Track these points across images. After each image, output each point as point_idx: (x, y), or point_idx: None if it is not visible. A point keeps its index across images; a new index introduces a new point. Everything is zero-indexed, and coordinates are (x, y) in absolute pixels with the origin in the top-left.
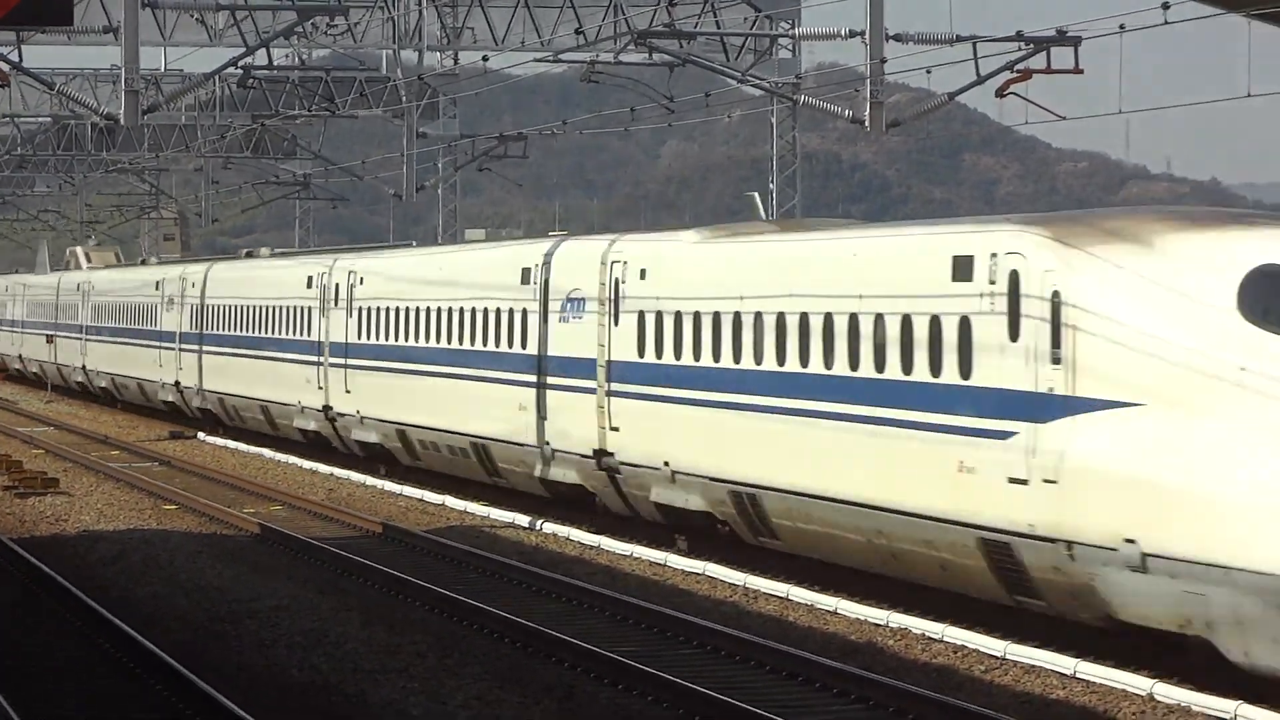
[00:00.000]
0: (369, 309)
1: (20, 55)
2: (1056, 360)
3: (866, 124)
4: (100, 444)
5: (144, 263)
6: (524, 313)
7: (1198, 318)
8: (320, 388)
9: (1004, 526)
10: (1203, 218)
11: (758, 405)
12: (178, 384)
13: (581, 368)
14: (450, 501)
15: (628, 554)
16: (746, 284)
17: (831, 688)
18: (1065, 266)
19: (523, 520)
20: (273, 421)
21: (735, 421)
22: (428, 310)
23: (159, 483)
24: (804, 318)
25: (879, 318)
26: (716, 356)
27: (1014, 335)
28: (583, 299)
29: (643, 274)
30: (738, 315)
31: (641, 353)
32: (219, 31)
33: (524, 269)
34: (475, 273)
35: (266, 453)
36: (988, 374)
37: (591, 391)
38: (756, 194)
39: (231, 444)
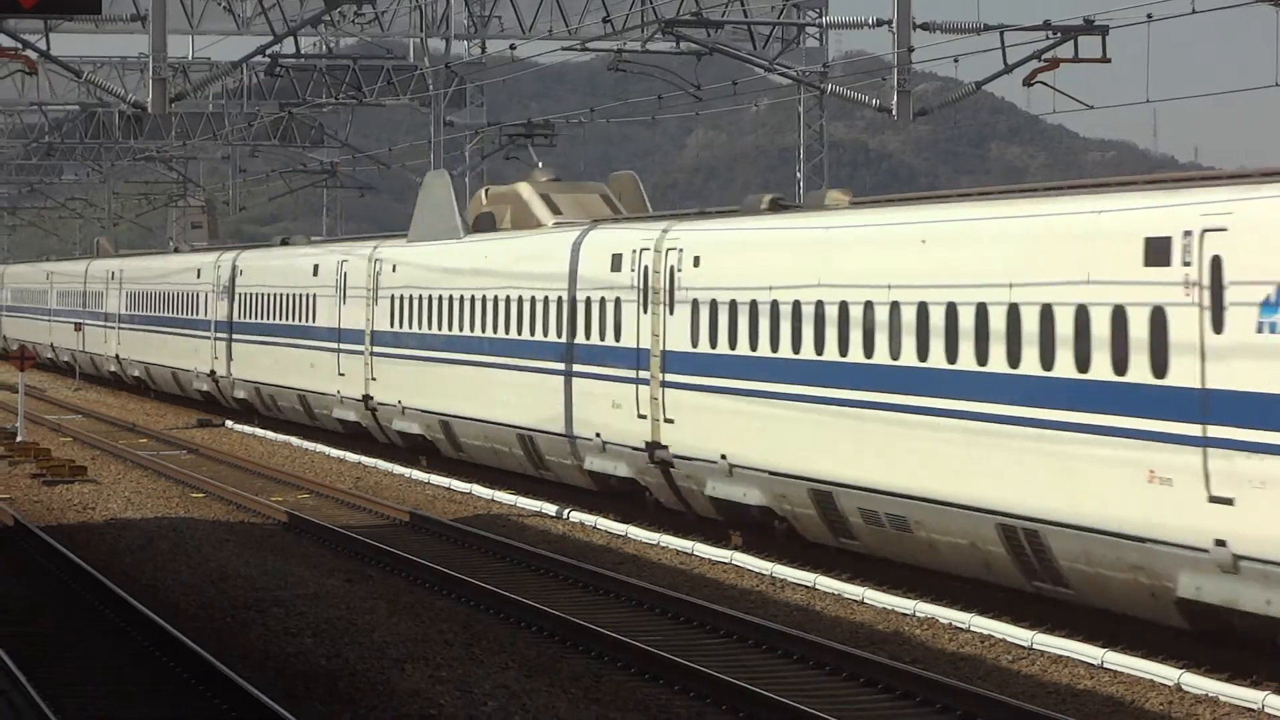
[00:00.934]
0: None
1: (48, 43)
2: None
3: (894, 113)
4: (128, 432)
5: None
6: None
7: None
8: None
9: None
10: None
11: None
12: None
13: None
14: (477, 490)
15: (654, 543)
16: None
17: (858, 677)
18: None
19: (550, 509)
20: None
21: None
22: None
23: (187, 471)
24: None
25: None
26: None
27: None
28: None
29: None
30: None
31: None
32: (246, 20)
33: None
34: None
35: (294, 441)
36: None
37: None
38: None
39: (259, 432)
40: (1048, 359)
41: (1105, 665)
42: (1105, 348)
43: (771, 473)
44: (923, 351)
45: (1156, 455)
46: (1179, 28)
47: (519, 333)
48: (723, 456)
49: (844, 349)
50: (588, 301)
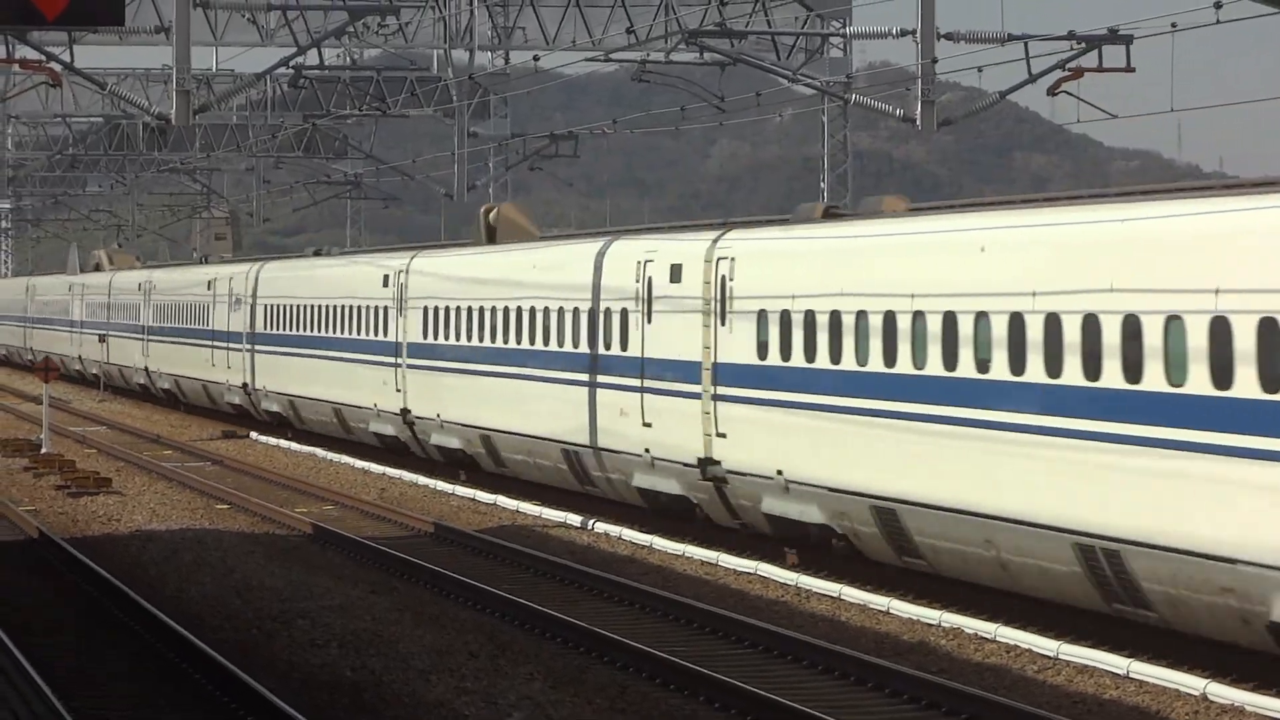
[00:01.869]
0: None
1: (72, 55)
2: None
3: (918, 123)
4: (153, 443)
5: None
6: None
7: None
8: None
9: None
10: None
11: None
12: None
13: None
14: (502, 501)
15: (679, 554)
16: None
17: (884, 687)
18: None
19: (574, 520)
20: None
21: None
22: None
23: (211, 482)
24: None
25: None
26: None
27: None
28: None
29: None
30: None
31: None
32: (270, 31)
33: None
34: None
35: (319, 452)
36: None
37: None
38: None
39: (284, 444)
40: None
41: (1131, 675)
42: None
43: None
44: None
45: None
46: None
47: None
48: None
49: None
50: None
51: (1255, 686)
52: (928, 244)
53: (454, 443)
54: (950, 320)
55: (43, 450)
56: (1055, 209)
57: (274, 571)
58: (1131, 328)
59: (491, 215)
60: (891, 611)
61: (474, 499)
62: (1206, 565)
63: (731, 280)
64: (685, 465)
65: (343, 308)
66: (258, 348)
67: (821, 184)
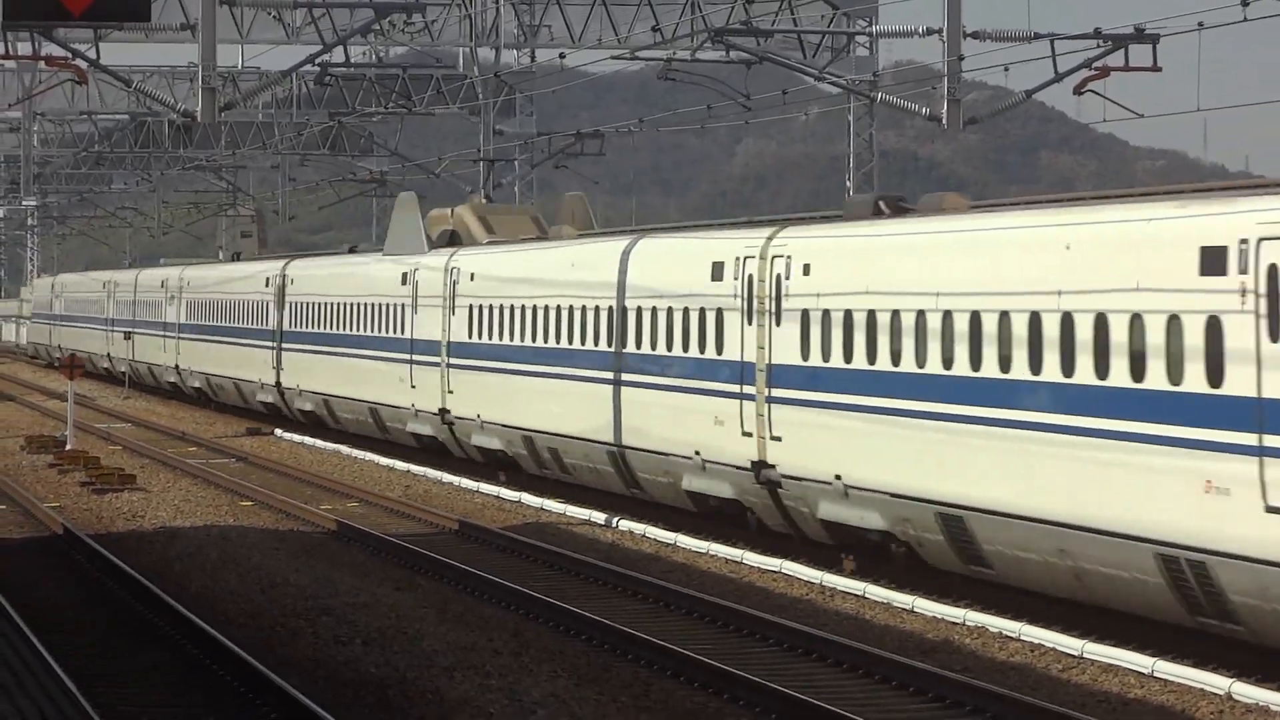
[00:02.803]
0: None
1: (98, 52)
2: None
3: (944, 121)
4: (177, 440)
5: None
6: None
7: None
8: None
9: None
10: None
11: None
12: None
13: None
14: (526, 498)
15: (704, 551)
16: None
17: (908, 686)
18: None
19: (599, 517)
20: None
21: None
22: (559, 308)
23: (236, 479)
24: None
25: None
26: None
27: None
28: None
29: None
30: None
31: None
32: (296, 29)
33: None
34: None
35: (344, 449)
36: None
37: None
38: None
39: (309, 440)
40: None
41: (1156, 674)
42: None
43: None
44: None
45: None
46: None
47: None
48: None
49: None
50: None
51: None
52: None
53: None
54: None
55: (67, 447)
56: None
57: (298, 568)
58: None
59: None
60: (915, 610)
61: (499, 496)
62: None
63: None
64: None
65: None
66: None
67: (847, 183)
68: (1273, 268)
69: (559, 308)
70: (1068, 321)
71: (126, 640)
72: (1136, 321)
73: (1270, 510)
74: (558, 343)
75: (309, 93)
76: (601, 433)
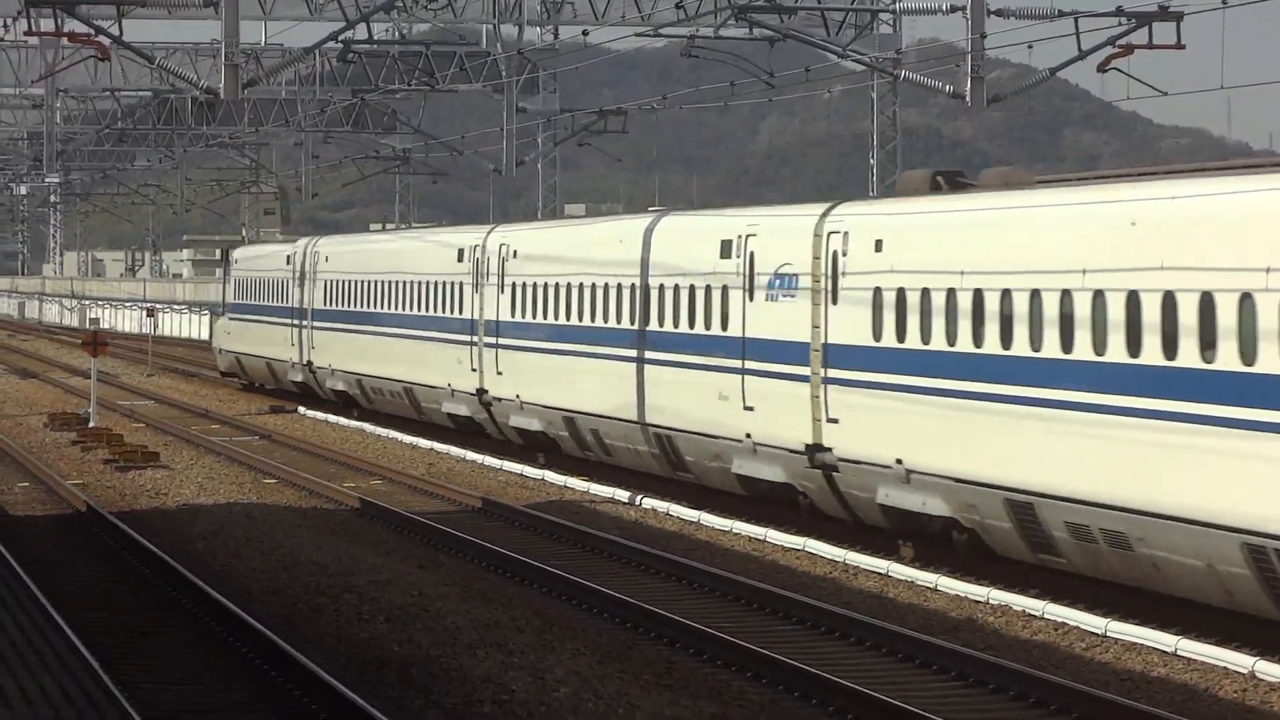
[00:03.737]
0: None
1: (121, 29)
2: None
3: (967, 99)
4: (200, 418)
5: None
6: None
7: None
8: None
9: None
10: None
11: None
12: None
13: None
14: (550, 476)
15: (727, 529)
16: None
17: (931, 664)
18: None
19: (622, 495)
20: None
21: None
22: (604, 287)
23: (259, 457)
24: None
25: None
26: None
27: None
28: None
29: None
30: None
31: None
32: (319, 6)
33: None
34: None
35: (368, 427)
36: None
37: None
38: None
39: (332, 418)
40: None
41: (1179, 653)
42: None
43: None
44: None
45: None
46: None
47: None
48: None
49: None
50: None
51: None
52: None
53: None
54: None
55: (90, 424)
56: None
57: (321, 546)
58: None
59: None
60: (939, 588)
61: (521, 474)
62: None
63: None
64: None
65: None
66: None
67: (871, 160)
68: None
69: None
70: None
71: (149, 617)
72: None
73: None
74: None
75: (332, 70)
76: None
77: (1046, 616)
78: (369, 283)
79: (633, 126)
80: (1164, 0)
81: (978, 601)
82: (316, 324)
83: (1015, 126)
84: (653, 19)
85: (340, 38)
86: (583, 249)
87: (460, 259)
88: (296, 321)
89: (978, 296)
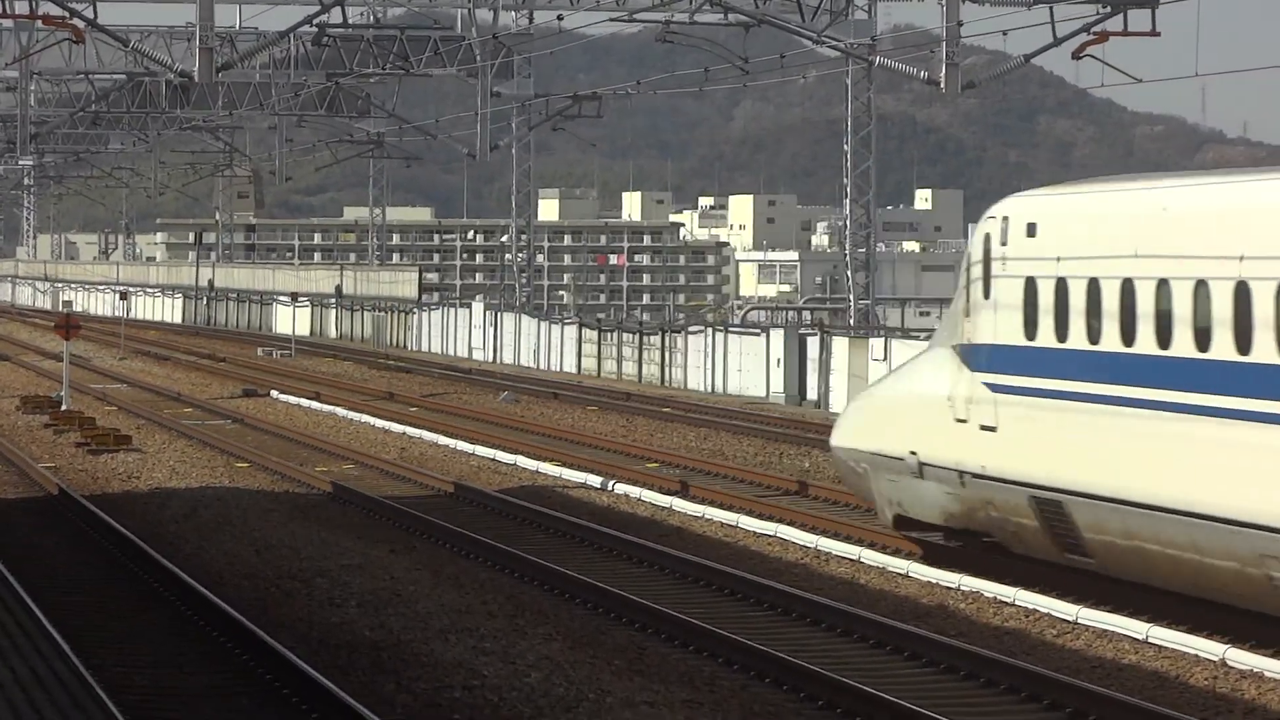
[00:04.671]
0: None
1: (95, 12)
2: None
3: (942, 86)
4: (173, 401)
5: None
6: None
7: None
8: None
9: None
10: None
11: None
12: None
13: None
14: (522, 462)
15: (700, 515)
16: None
17: (903, 650)
18: None
19: (594, 481)
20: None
21: None
22: None
23: (231, 441)
24: None
25: None
26: None
27: None
28: None
29: None
30: None
31: None
32: None
33: None
34: None
35: (339, 411)
36: None
37: None
38: None
39: (304, 402)
40: None
41: (1150, 640)
42: None
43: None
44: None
45: None
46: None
47: None
48: None
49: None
50: None
51: (1275, 652)
52: None
53: None
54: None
55: (63, 407)
56: None
57: (293, 530)
58: None
59: None
60: (910, 575)
61: (494, 459)
62: None
63: None
64: None
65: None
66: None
67: (845, 146)
68: None
69: None
70: None
71: (121, 601)
72: None
73: None
74: None
75: (306, 53)
76: None
77: (1017, 603)
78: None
79: (607, 111)
80: None
81: (949, 588)
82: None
83: (989, 113)
84: (628, 4)
85: (315, 21)
86: None
87: None
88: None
89: None
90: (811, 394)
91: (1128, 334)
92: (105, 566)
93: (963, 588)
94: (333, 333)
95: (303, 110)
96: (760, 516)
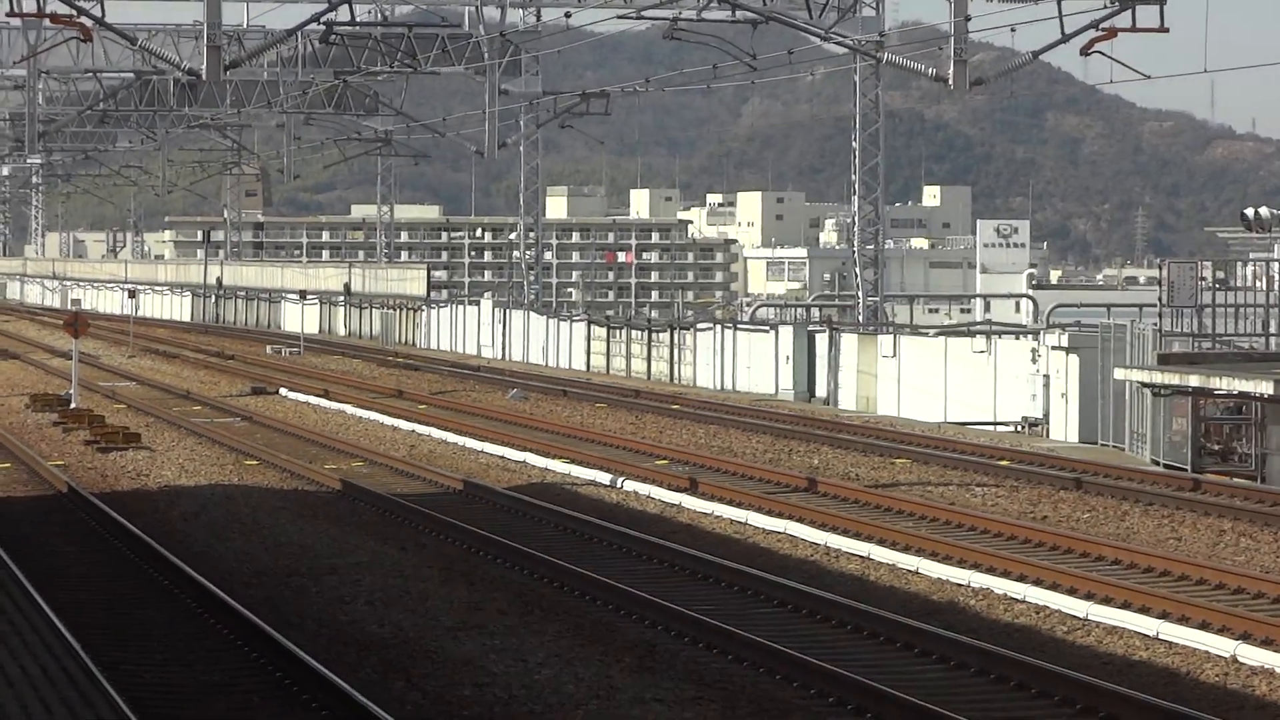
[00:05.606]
0: None
1: (103, 10)
2: None
3: (950, 82)
4: (182, 399)
5: None
6: None
7: None
8: None
9: None
10: None
11: None
12: None
13: None
14: (531, 459)
15: (708, 513)
16: None
17: (913, 647)
18: None
19: (604, 478)
20: None
21: None
22: None
23: (240, 438)
24: None
25: None
26: None
27: None
28: None
29: None
30: None
31: None
32: None
33: None
34: None
35: (349, 409)
36: None
37: None
38: None
39: (314, 400)
40: None
41: (1160, 637)
42: None
43: None
44: None
45: None
46: None
47: None
48: None
49: None
50: None
51: None
52: None
53: None
54: None
55: (72, 405)
56: None
57: (303, 528)
58: None
59: None
60: (920, 572)
61: (503, 457)
62: None
63: None
64: None
65: None
66: None
67: (853, 143)
68: None
69: None
70: None
71: (131, 599)
72: None
73: None
74: None
75: (314, 51)
76: None
77: (1028, 600)
78: None
79: (615, 109)
80: None
81: (959, 585)
82: None
83: (998, 109)
84: (635, 1)
85: (322, 19)
86: None
87: None
88: None
89: None
90: (820, 391)
91: None
92: (114, 564)
93: (973, 585)
94: (341, 330)
95: (310, 108)
96: (769, 513)
